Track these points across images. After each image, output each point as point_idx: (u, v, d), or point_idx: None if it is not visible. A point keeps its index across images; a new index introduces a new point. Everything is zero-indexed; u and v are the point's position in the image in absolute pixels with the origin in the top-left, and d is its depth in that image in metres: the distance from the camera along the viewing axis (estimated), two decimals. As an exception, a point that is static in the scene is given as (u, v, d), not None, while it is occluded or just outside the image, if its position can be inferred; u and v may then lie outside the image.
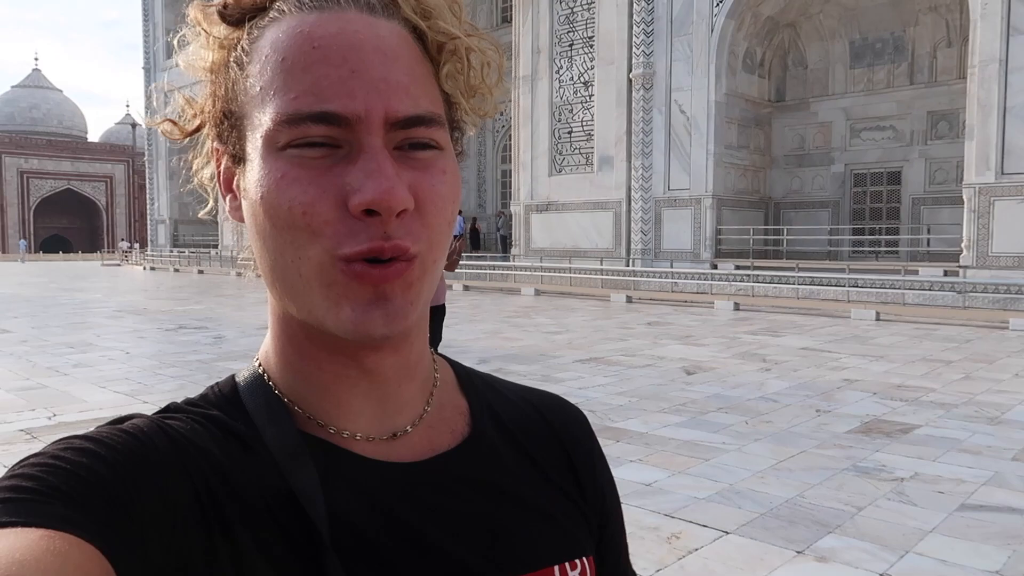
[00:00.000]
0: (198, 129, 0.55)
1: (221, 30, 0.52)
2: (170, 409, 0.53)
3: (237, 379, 0.56)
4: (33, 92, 67.53)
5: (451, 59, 0.52)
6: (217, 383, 0.57)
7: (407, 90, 0.48)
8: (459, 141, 0.55)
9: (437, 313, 6.55)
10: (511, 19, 23.17)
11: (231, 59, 0.51)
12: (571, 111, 20.81)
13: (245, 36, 0.51)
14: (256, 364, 0.57)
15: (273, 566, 0.47)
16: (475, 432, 0.59)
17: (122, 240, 55.11)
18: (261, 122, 0.48)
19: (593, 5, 20.11)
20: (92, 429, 0.48)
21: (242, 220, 0.52)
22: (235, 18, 0.51)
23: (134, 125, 65.53)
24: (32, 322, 13.58)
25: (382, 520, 0.51)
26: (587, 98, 20.42)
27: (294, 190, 0.47)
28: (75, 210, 64.84)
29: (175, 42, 0.55)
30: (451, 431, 0.58)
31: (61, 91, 70.41)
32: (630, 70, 19.21)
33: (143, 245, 45.26)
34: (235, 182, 0.53)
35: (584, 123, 20.53)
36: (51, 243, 62.36)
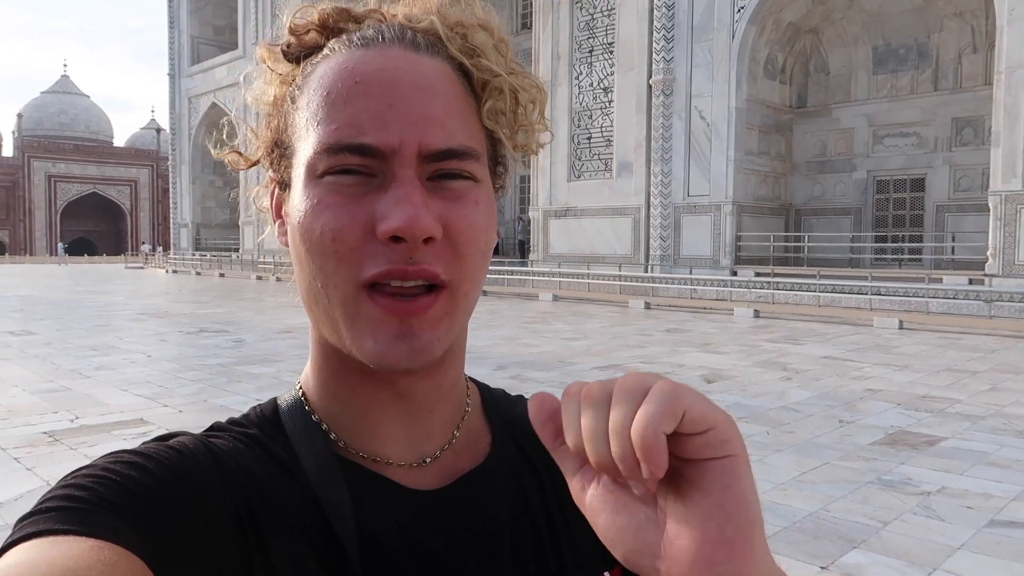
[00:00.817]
0: (260, 160, 0.59)
1: (284, 67, 0.56)
2: (214, 428, 0.55)
3: (279, 402, 0.58)
4: (61, 98, 68.72)
5: (494, 96, 0.54)
6: (259, 404, 0.59)
7: (442, 124, 0.50)
8: (502, 176, 0.58)
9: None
10: (531, 25, 23.21)
11: (287, 94, 0.55)
12: (590, 117, 20.78)
13: (300, 72, 0.54)
14: (297, 388, 0.59)
15: None
16: (494, 453, 0.60)
17: (143, 243, 55.88)
18: (304, 150, 0.51)
19: (613, 11, 20.09)
20: (140, 445, 0.50)
21: (287, 246, 0.55)
22: (295, 55, 0.55)
23: (159, 130, 66.43)
24: (56, 324, 13.77)
25: (409, 546, 0.52)
26: (607, 104, 20.38)
27: (326, 216, 0.49)
28: (100, 213, 65.82)
29: (242, 78, 0.60)
30: (472, 454, 0.60)
31: (88, 97, 71.52)
32: (650, 76, 19.15)
33: (166, 248, 45.85)
34: (284, 208, 0.55)
35: (603, 129, 20.48)
36: (76, 246, 63.29)
